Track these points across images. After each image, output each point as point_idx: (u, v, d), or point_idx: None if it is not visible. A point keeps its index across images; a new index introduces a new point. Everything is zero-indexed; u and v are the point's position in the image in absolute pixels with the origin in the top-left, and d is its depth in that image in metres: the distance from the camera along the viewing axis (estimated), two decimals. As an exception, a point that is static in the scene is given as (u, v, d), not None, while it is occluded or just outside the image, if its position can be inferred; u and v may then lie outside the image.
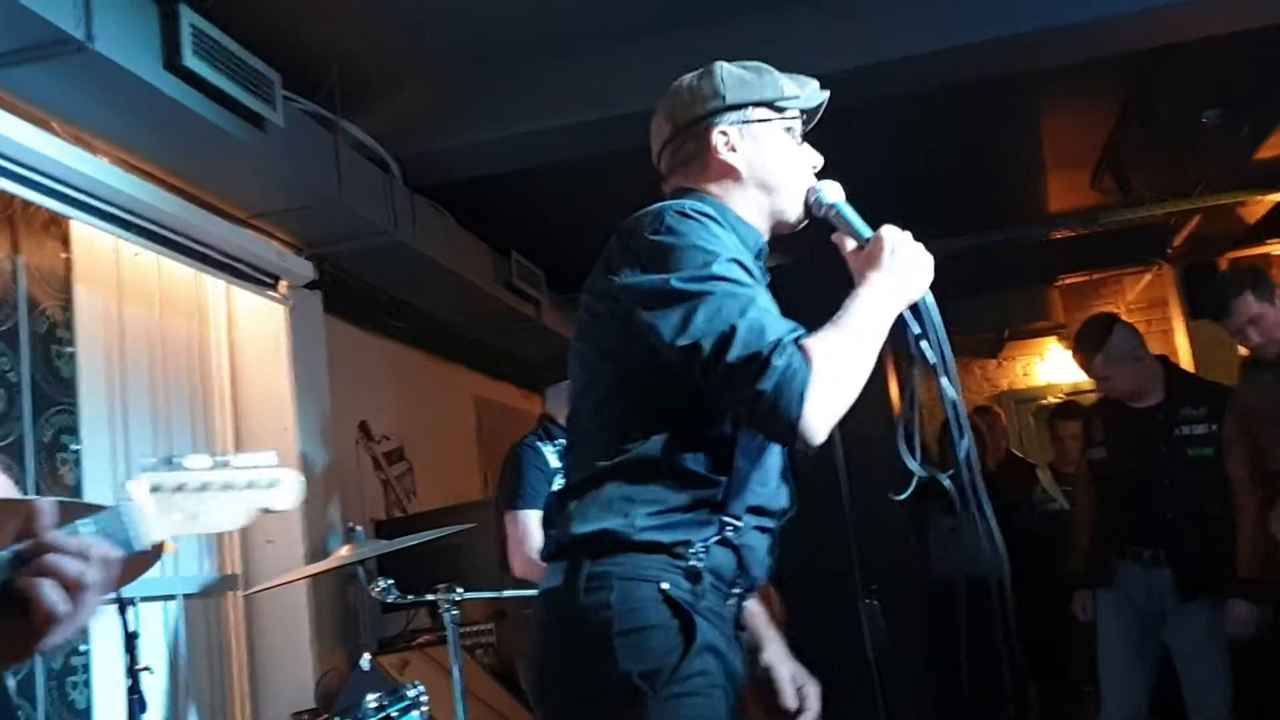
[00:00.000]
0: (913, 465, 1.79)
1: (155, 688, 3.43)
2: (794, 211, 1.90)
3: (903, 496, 1.82)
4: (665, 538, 1.69)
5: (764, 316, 1.64)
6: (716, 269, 1.67)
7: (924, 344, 1.82)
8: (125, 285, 3.75)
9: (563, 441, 3.34)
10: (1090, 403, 4.44)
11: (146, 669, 2.95)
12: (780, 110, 1.92)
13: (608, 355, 1.80)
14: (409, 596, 2.82)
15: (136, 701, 2.91)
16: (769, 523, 1.84)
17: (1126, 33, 3.94)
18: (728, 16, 3.92)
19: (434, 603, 2.93)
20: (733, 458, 1.74)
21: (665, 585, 1.67)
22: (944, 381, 1.85)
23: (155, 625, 3.69)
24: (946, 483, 1.85)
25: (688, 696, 1.65)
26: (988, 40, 3.85)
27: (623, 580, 1.67)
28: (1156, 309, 8.25)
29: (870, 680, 3.19)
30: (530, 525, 3.37)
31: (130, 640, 2.95)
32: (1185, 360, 7.46)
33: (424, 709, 2.59)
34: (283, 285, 4.26)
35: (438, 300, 5.30)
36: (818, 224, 1.94)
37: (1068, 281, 7.98)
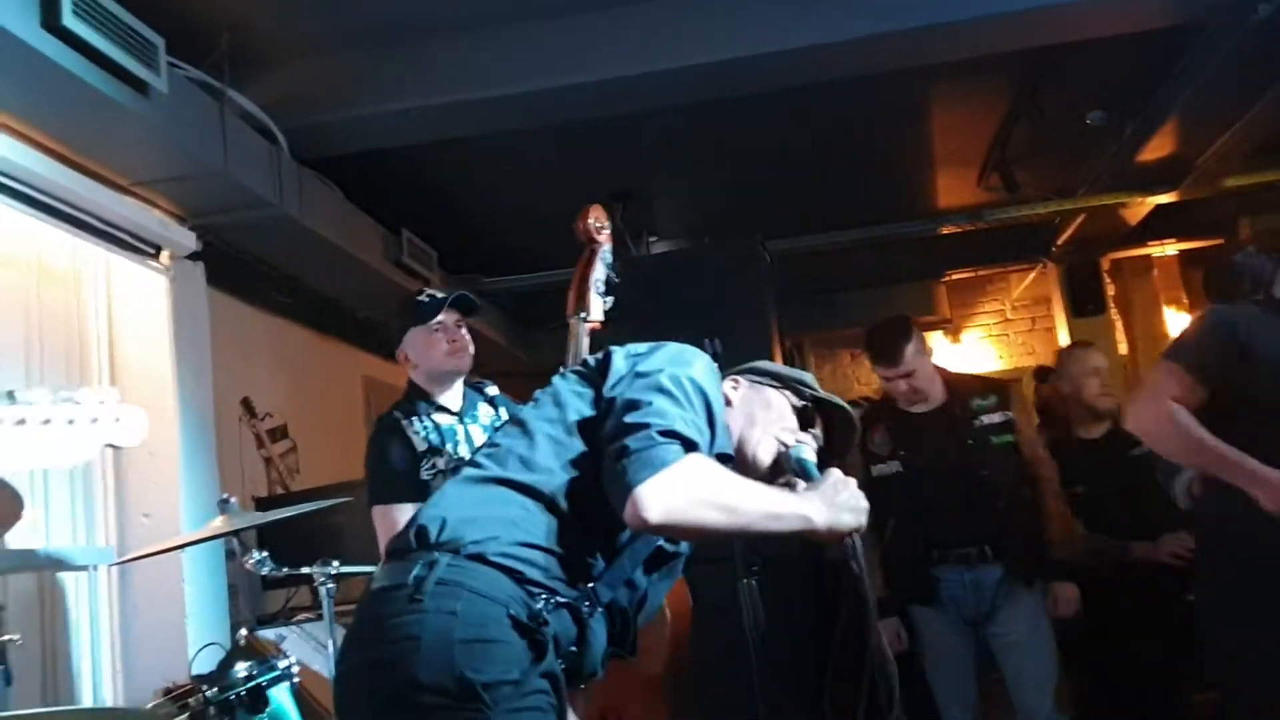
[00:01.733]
0: None
1: (23, 660, 3.34)
2: (765, 453, 2.05)
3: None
4: (529, 572, 1.73)
5: (687, 427, 1.76)
6: (679, 391, 1.83)
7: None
8: (-2, 250, 3.65)
9: (433, 418, 3.24)
10: (863, 417, 4.42)
11: (13, 639, 2.89)
12: (794, 391, 2.17)
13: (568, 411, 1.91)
14: (284, 570, 2.79)
15: (2, 673, 2.85)
16: (614, 620, 1.90)
17: (1012, 31, 4.05)
18: (616, 3, 3.95)
19: (310, 578, 2.91)
20: (622, 551, 1.85)
21: (513, 612, 1.69)
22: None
23: (28, 594, 3.60)
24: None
25: (528, 712, 1.66)
26: (877, 34, 3.93)
27: (472, 594, 1.68)
28: (1040, 306, 8.50)
29: (747, 656, 3.26)
30: (399, 520, 2.99)
31: (-6, 613, 2.88)
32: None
33: (294, 680, 2.57)
34: (164, 256, 4.17)
35: (326, 277, 5.24)
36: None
37: (955, 277, 8.18)
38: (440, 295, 3.31)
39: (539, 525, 1.76)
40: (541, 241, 4.73)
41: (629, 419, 1.74)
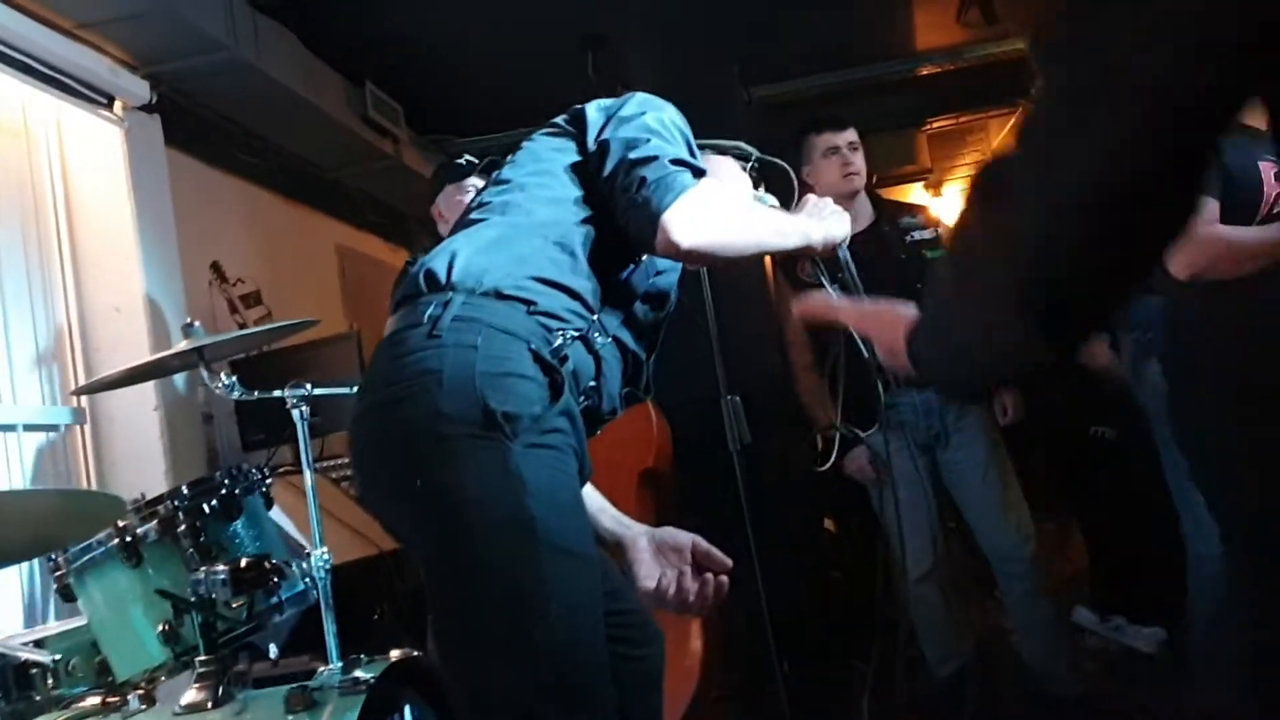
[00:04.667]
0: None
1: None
2: None
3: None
4: (544, 303, 1.70)
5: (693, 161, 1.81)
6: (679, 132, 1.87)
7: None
8: (-61, 97, 3.50)
9: None
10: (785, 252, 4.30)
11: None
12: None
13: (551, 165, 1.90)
14: (255, 394, 2.70)
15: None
16: (631, 359, 1.90)
17: None
18: None
19: (286, 403, 2.82)
20: (627, 283, 1.88)
21: (534, 347, 1.65)
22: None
23: (-3, 457, 3.53)
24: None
25: (546, 449, 1.62)
26: None
27: (491, 328, 1.64)
28: (1021, 154, 8.39)
29: (731, 473, 3.23)
30: None
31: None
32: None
33: (267, 489, 2.51)
34: (117, 106, 4.01)
35: (288, 132, 5.06)
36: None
37: (935, 126, 8.03)
38: (475, 161, 3.42)
39: (547, 261, 1.76)
40: (511, 95, 4.58)
41: (635, 154, 1.77)
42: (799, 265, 3.82)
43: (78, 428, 3.95)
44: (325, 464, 4.30)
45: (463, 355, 1.61)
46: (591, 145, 1.86)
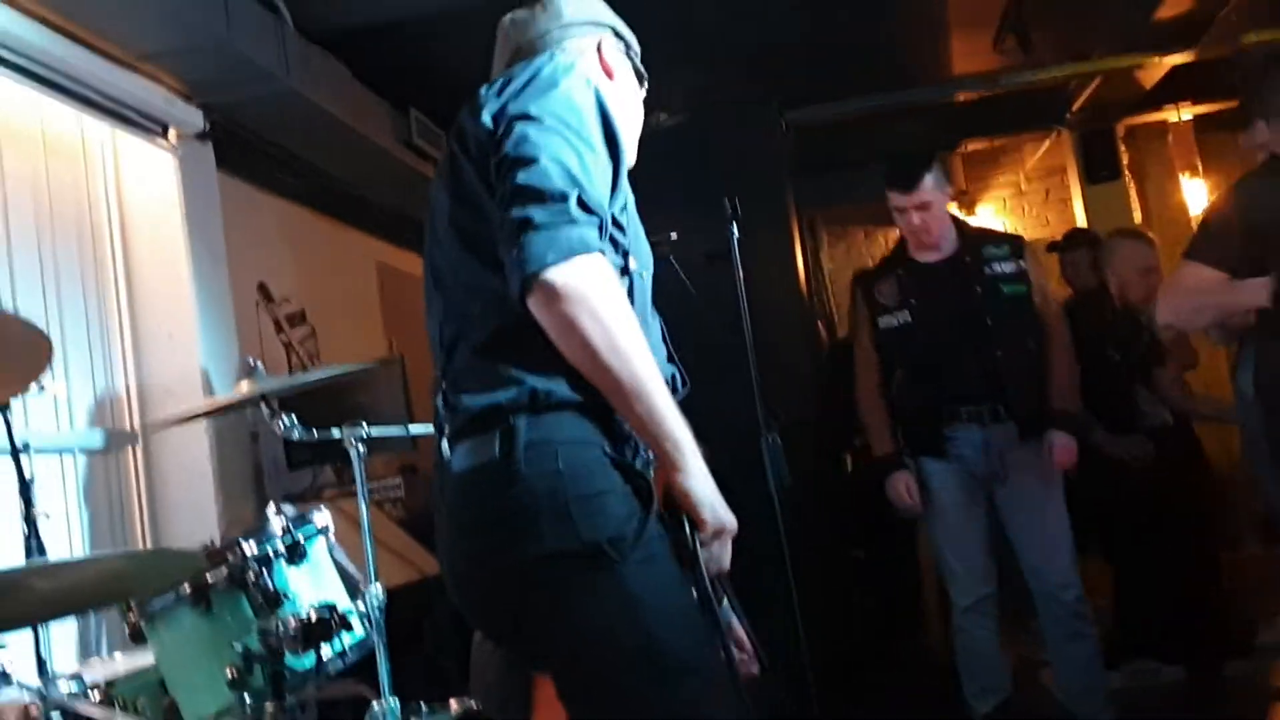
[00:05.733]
0: None
1: (55, 540, 3.37)
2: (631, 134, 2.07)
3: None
4: (585, 395, 1.63)
5: (591, 178, 1.63)
6: (571, 117, 1.68)
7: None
8: (3, 127, 3.58)
9: None
10: (867, 270, 4.34)
11: (44, 515, 2.90)
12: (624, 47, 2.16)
13: (471, 197, 1.74)
14: (314, 433, 2.78)
15: (35, 547, 2.86)
16: (670, 378, 1.81)
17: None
18: None
19: (341, 458, 2.90)
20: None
21: (606, 448, 1.63)
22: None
23: (53, 479, 3.62)
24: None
25: (651, 561, 1.61)
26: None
27: (565, 445, 1.61)
28: (1055, 176, 8.40)
29: (772, 511, 3.28)
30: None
31: (26, 487, 2.88)
32: (1082, 226, 7.63)
33: (331, 538, 2.59)
34: (172, 134, 4.11)
35: (336, 158, 5.16)
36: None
37: (970, 149, 8.06)
38: None
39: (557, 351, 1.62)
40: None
41: (522, 175, 1.59)
42: (877, 286, 3.91)
43: (129, 448, 4.05)
44: (372, 485, 4.39)
45: (550, 484, 1.59)
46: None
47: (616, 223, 1.73)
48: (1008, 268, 3.75)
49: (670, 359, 1.87)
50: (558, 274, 1.53)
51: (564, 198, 1.57)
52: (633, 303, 1.71)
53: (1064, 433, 3.68)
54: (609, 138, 1.72)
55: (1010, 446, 3.70)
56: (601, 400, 1.62)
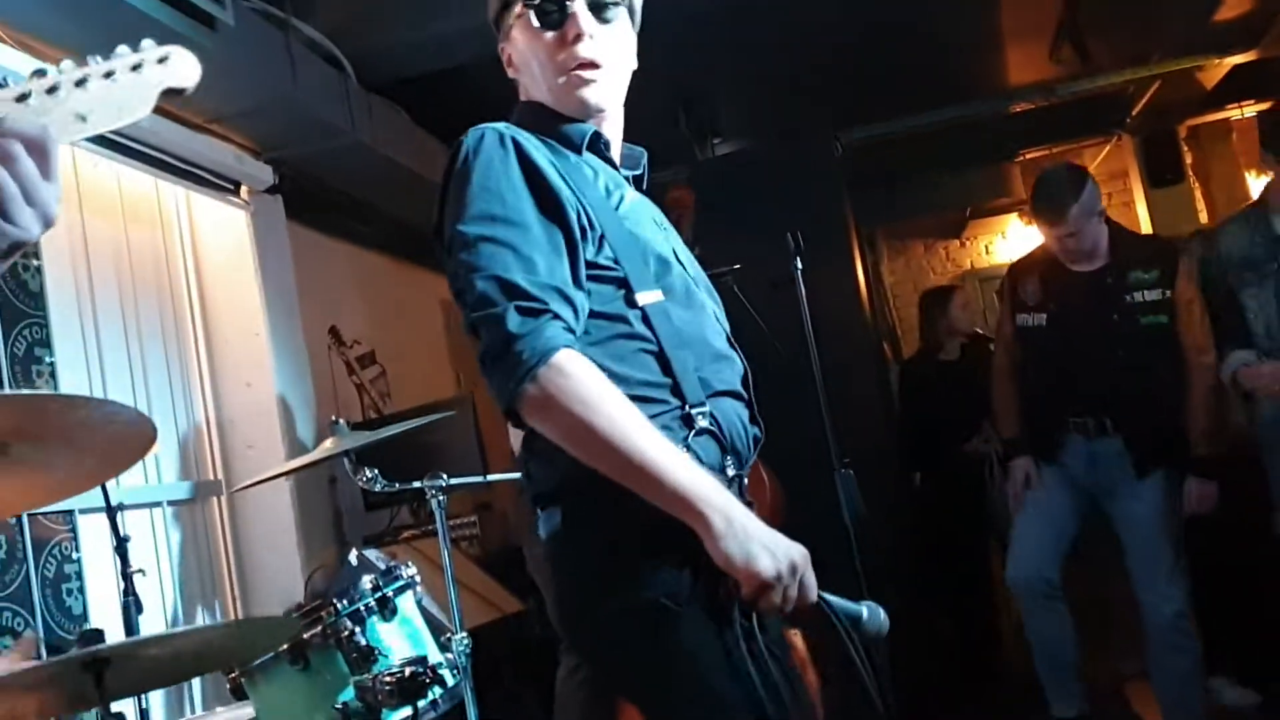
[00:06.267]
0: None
1: (149, 592, 3.48)
2: (565, 100, 1.83)
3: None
4: None
5: (530, 271, 1.58)
6: (495, 208, 1.63)
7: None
8: (86, 197, 3.71)
9: None
10: (1018, 261, 4.19)
11: (139, 571, 3.00)
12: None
13: None
14: (396, 485, 2.85)
15: (133, 603, 2.96)
16: (738, 390, 1.78)
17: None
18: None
19: (416, 498, 2.98)
20: (661, 352, 1.69)
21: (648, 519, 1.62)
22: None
23: (143, 532, 3.73)
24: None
25: (712, 609, 1.62)
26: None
27: (620, 508, 1.60)
28: (1117, 180, 8.32)
29: (848, 545, 3.28)
30: None
31: (122, 545, 2.99)
32: (1146, 230, 7.54)
33: (418, 588, 2.65)
34: (243, 190, 4.23)
35: (399, 201, 5.25)
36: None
37: (1029, 156, 8.01)
38: None
39: None
40: (610, 151, 4.67)
41: (471, 309, 1.59)
42: (1022, 283, 3.91)
43: (214, 497, 4.16)
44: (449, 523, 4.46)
45: (608, 548, 1.64)
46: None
47: (596, 265, 1.69)
48: (1151, 295, 3.63)
49: (729, 341, 1.84)
50: (522, 404, 1.55)
51: (501, 318, 1.55)
52: (654, 332, 1.69)
53: (1205, 480, 3.59)
54: (542, 197, 1.67)
55: (1120, 461, 3.66)
56: None
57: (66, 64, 1.08)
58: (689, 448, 1.65)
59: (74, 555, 3.32)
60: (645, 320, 1.70)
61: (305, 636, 2.32)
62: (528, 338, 1.53)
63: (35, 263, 3.41)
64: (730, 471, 1.72)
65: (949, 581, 5.22)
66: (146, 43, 1.12)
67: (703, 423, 1.67)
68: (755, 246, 3.83)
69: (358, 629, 2.35)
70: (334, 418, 2.84)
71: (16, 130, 1.04)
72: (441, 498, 2.85)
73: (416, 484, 2.85)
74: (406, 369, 5.62)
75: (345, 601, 2.38)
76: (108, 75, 1.07)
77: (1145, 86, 6.56)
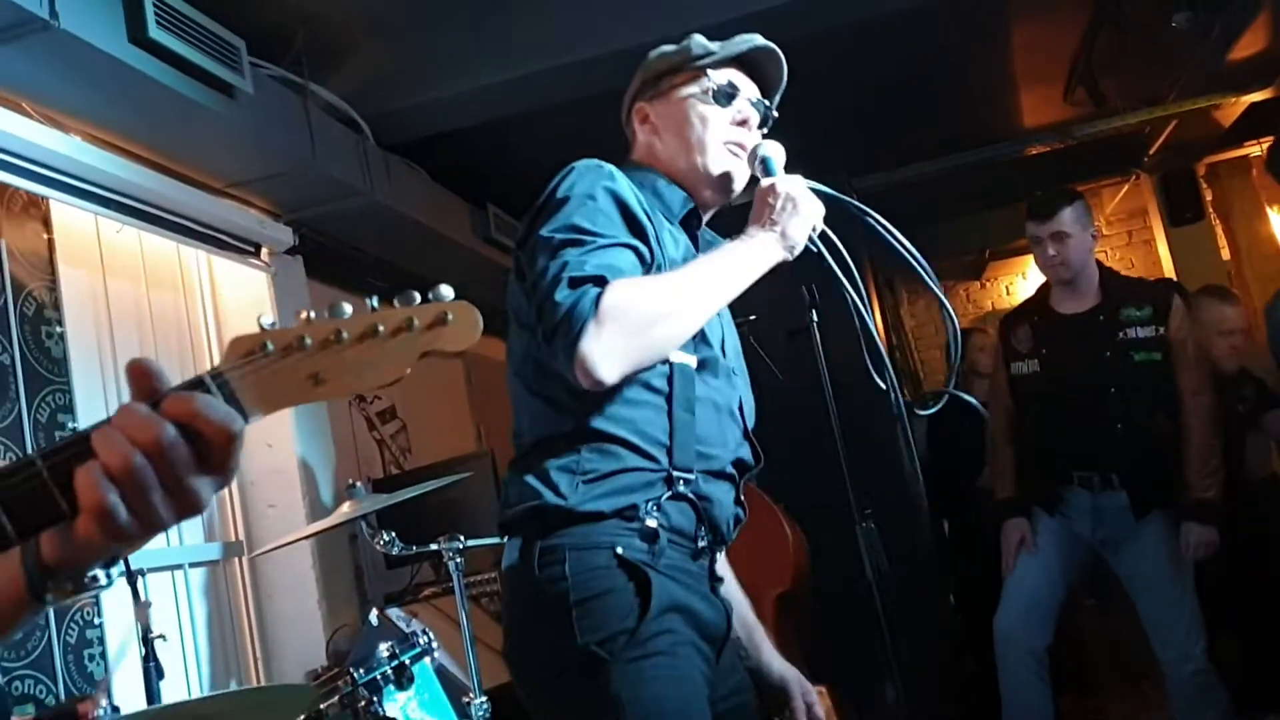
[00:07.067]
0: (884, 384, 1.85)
1: (170, 655, 3.49)
2: (716, 165, 1.94)
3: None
4: (606, 506, 1.69)
5: (594, 259, 1.65)
6: (578, 220, 1.70)
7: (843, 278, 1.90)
8: (109, 262, 3.77)
9: None
10: (1009, 312, 4.17)
11: (160, 637, 3.01)
12: (693, 72, 1.98)
13: (519, 318, 1.82)
14: (413, 548, 2.86)
15: (154, 668, 2.97)
16: (729, 471, 1.83)
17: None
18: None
19: (437, 554, 2.98)
20: (670, 413, 1.74)
21: (619, 549, 1.67)
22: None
23: (165, 595, 3.74)
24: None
25: (651, 657, 1.64)
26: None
27: (575, 550, 1.67)
28: (1136, 219, 8.29)
29: (872, 600, 3.25)
30: None
31: (143, 610, 3.00)
32: (1168, 269, 7.51)
33: (435, 654, 2.65)
34: (264, 252, 4.27)
35: (418, 258, 5.29)
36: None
37: (1046, 196, 7.99)
38: None
39: (586, 461, 1.70)
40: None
41: (536, 300, 1.67)
42: (1014, 330, 3.88)
43: (236, 558, 4.17)
44: (469, 580, 4.46)
45: (556, 589, 1.65)
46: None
47: None
48: (1144, 332, 3.59)
49: (745, 434, 1.90)
50: (589, 366, 1.59)
51: (553, 293, 1.62)
52: (671, 389, 1.75)
53: (1203, 525, 3.51)
54: (629, 223, 1.75)
55: (1125, 516, 3.59)
56: (626, 508, 1.68)
57: (325, 313, 0.92)
58: (660, 507, 1.70)
59: (96, 620, 3.34)
60: (669, 378, 1.75)
61: (322, 707, 2.32)
62: (574, 305, 1.59)
63: (59, 329, 3.45)
64: (702, 543, 1.78)
65: (977, 629, 5.17)
66: (436, 292, 0.97)
67: (681, 488, 1.73)
68: (771, 296, 3.83)
69: (375, 698, 2.35)
70: (351, 481, 2.86)
71: (199, 412, 0.86)
72: (458, 560, 2.85)
73: (433, 546, 2.85)
74: (428, 422, 5.64)
75: (362, 670, 2.38)
76: (369, 334, 0.91)
77: (1162, 125, 6.54)
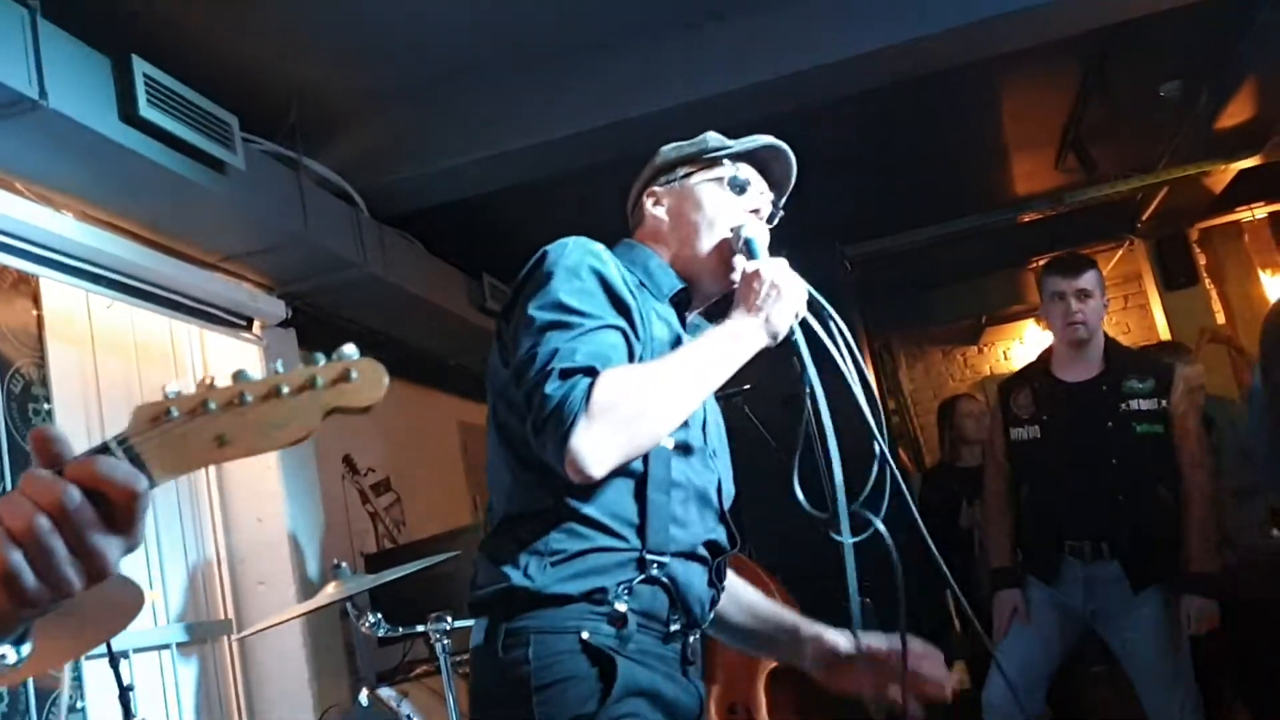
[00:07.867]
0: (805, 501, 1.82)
1: (156, 736, 3.43)
2: (708, 247, 1.95)
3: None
4: (574, 589, 1.67)
5: (584, 347, 1.65)
6: (565, 298, 1.70)
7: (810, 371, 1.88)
8: (99, 339, 3.74)
9: None
10: (1010, 376, 4.14)
11: (144, 720, 2.95)
12: (708, 163, 2.00)
13: (493, 384, 1.82)
14: (400, 629, 2.81)
15: (138, 753, 2.90)
16: (701, 554, 1.82)
17: (1082, 11, 3.93)
18: (671, 31, 3.95)
19: (429, 637, 2.93)
20: (643, 494, 1.73)
21: (585, 634, 1.66)
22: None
23: (150, 676, 3.67)
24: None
25: None
26: (945, 30, 3.82)
27: (539, 634, 1.65)
28: (1131, 284, 8.31)
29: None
30: None
31: (125, 694, 2.94)
32: (1163, 332, 7.52)
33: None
34: (256, 325, 4.25)
35: (413, 329, 5.29)
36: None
37: (1041, 263, 8.02)
38: None
39: (553, 542, 1.69)
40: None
41: (524, 389, 1.65)
42: (1014, 395, 3.84)
43: (224, 636, 4.11)
44: (457, 659, 4.39)
45: (518, 672, 1.64)
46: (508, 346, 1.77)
47: None
48: (1146, 404, 3.57)
49: (720, 517, 1.88)
50: (579, 461, 1.58)
51: (542, 385, 1.61)
52: (646, 470, 1.73)
53: (1204, 599, 3.48)
54: (613, 302, 1.75)
55: (1117, 588, 3.54)
56: (595, 591, 1.67)
57: (227, 379, 0.94)
58: (632, 590, 1.69)
59: (79, 704, 3.27)
60: (644, 459, 1.73)
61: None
62: (564, 398, 1.59)
63: (46, 406, 3.42)
64: (674, 626, 1.76)
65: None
66: (340, 351, 0.98)
67: (654, 571, 1.72)
68: (765, 365, 3.82)
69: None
70: (336, 561, 2.82)
71: (101, 474, 0.87)
72: (446, 641, 2.80)
73: (420, 628, 2.80)
74: (422, 494, 5.60)
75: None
76: (272, 394, 0.93)
77: (1154, 192, 6.59)
